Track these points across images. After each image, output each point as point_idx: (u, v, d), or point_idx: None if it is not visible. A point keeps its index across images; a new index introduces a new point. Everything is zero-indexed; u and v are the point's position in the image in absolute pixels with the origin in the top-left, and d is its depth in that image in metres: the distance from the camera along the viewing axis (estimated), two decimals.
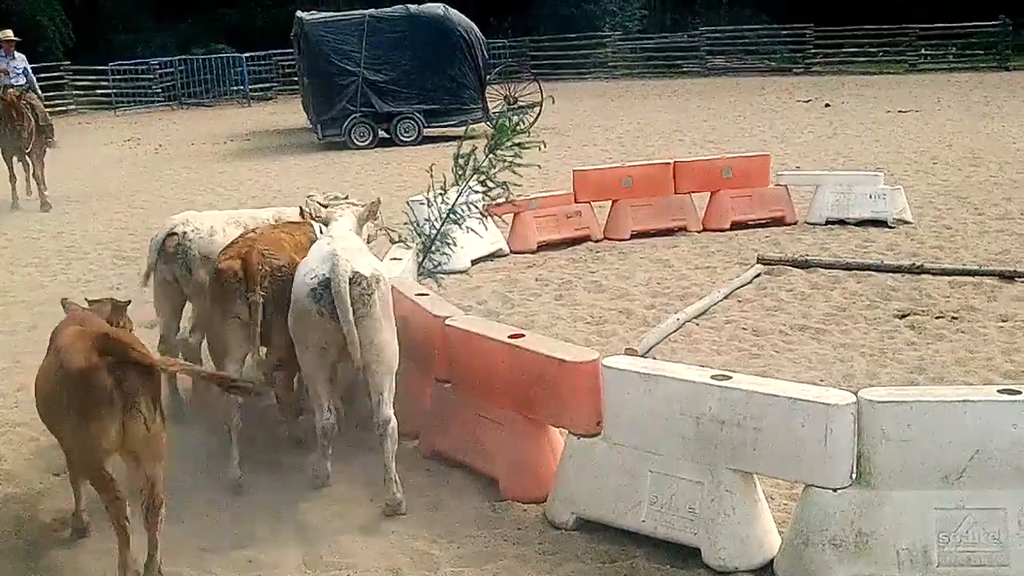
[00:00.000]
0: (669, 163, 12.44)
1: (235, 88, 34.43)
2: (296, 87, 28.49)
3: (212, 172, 19.20)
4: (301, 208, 6.62)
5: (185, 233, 6.76)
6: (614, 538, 4.98)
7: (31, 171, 15.99)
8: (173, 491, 5.69)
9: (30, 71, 16.70)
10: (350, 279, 5.39)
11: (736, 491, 4.60)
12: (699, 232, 11.85)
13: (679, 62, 38.75)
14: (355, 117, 21.55)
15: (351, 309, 5.32)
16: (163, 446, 4.70)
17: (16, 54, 16.49)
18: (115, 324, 5.45)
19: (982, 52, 36.00)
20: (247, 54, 34.18)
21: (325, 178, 16.95)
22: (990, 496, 4.31)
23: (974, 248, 10.73)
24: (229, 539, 5.21)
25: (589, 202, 12.00)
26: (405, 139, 21.77)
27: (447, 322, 5.91)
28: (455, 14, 22.61)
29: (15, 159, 15.96)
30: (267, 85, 35.48)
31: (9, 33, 16.70)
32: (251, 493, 5.72)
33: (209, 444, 6.23)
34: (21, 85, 16.14)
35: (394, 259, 7.74)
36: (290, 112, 28.56)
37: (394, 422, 5.53)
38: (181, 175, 18.83)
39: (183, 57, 34.28)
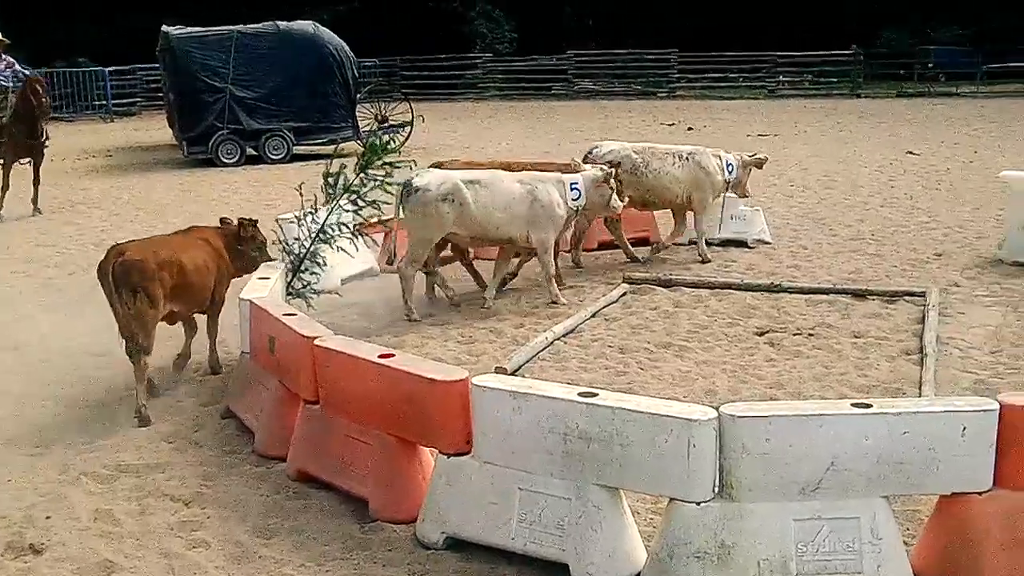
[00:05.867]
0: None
1: (98, 103, 33.44)
2: (161, 102, 27.89)
3: (73, 188, 18.59)
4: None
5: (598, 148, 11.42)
6: (484, 556, 4.99)
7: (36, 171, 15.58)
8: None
9: (21, 73, 16.00)
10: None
11: (603, 507, 4.67)
12: (566, 252, 12.00)
13: (548, 84, 39.30)
14: (222, 134, 21.20)
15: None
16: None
17: (3, 56, 15.83)
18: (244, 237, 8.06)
19: (836, 80, 37.58)
20: (110, 68, 33.26)
21: (191, 196, 16.63)
22: (845, 506, 4.46)
23: (829, 267, 11.14)
24: (94, 568, 5.05)
25: None
26: (274, 157, 21.50)
27: (316, 342, 5.85)
28: (325, 32, 22.47)
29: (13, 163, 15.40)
30: (131, 100, 34.56)
31: None
32: (115, 522, 5.56)
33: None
34: (7, 87, 15.55)
35: (262, 278, 7.63)
36: (155, 128, 27.92)
37: (405, 269, 9.40)
38: (40, 191, 18.15)
39: (44, 70, 33.10)
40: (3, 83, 15.69)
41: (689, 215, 11.76)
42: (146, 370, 7.20)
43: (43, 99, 15.59)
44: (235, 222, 8.21)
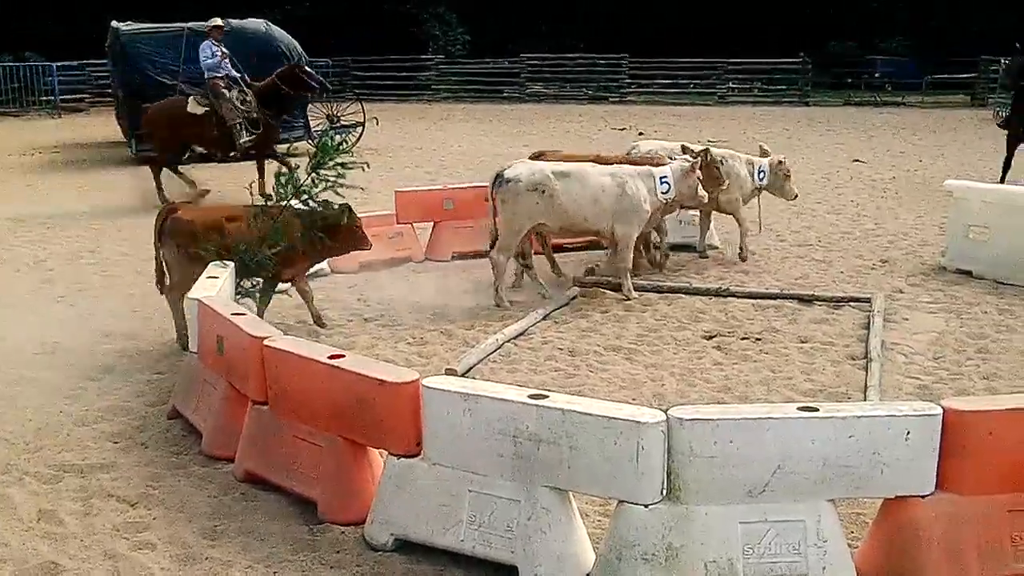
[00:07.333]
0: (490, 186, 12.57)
1: (45, 98, 32.92)
2: (110, 99, 27.53)
3: (17, 185, 18.30)
4: None
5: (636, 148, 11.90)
6: (433, 558, 4.99)
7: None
8: None
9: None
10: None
11: (552, 509, 4.69)
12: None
13: (500, 87, 39.36)
14: None
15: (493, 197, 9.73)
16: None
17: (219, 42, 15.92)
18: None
19: (785, 87, 38.00)
20: (58, 63, 32.77)
21: (138, 194, 16.40)
22: (791, 509, 4.51)
23: (776, 273, 11.27)
24: (37, 570, 4.98)
25: (411, 223, 12.03)
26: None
27: (265, 343, 5.82)
28: (277, 31, 22.30)
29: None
30: (79, 96, 34.06)
31: (217, 20, 16.06)
32: (59, 523, 5.49)
33: None
34: (232, 77, 15.75)
35: (211, 277, 7.57)
36: (103, 124, 27.51)
37: (496, 257, 9.75)
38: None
39: None
40: (233, 73, 15.87)
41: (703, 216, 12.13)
42: (181, 304, 7.96)
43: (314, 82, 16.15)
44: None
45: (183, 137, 16.03)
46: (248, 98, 15.68)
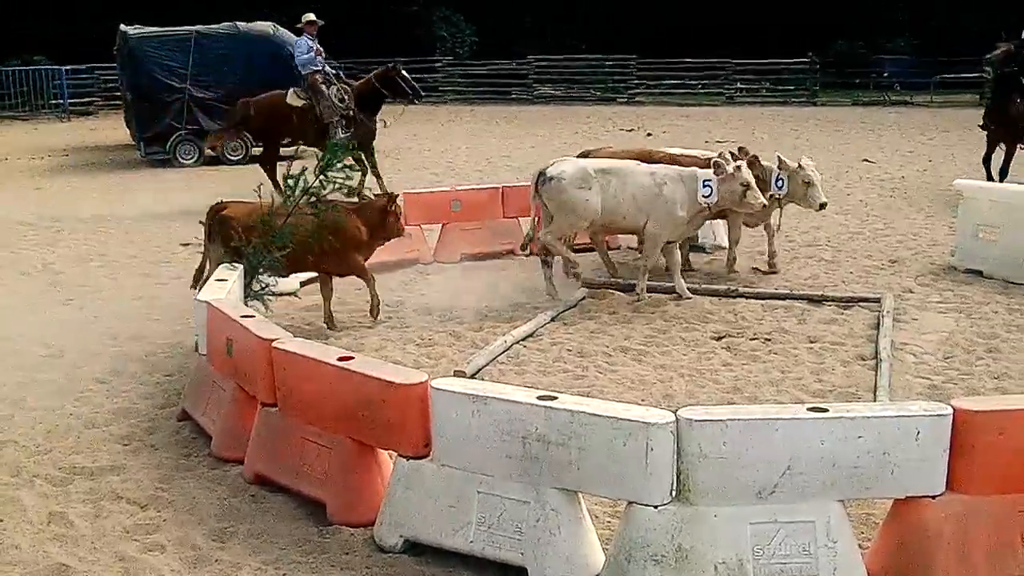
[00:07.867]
0: (498, 187, 12.60)
1: (54, 102, 33.03)
2: (119, 102, 27.60)
3: (27, 188, 18.36)
4: None
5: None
6: (442, 560, 4.99)
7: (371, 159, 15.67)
8: None
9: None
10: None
11: (561, 510, 4.68)
12: (527, 256, 12.00)
13: (508, 89, 39.36)
14: (180, 134, 21.04)
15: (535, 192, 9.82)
16: None
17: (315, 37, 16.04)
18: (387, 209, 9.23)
19: (793, 87, 37.95)
20: (67, 67, 32.85)
21: (147, 197, 16.46)
22: (800, 509, 4.50)
23: (785, 273, 11.23)
24: (47, 572, 4.99)
25: (419, 225, 12.03)
26: (232, 158, 21.33)
27: (274, 345, 5.83)
28: (285, 33, 22.29)
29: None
30: (88, 100, 34.14)
31: (311, 16, 16.09)
32: (69, 525, 5.50)
33: None
34: (328, 73, 15.88)
35: (220, 280, 7.58)
36: (112, 128, 27.59)
37: (547, 239, 9.85)
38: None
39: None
40: (328, 69, 16.03)
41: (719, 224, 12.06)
42: None
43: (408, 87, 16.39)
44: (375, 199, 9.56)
45: (284, 132, 16.14)
46: (346, 97, 15.76)
